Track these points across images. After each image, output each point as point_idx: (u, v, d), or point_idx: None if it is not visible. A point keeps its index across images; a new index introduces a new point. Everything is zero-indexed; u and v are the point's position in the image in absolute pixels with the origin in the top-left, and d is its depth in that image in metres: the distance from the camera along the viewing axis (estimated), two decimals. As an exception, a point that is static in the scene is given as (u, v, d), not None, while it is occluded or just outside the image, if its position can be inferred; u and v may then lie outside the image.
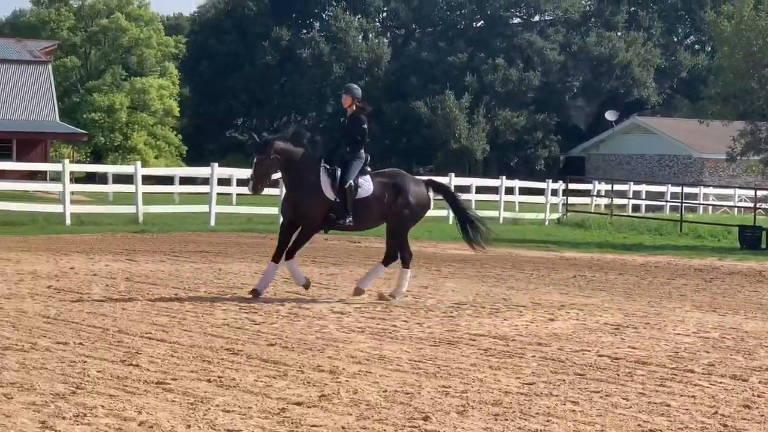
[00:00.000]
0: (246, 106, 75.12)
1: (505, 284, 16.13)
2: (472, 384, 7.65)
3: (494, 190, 40.38)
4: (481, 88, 69.61)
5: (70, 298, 12.18)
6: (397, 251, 13.17)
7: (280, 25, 72.48)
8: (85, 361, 7.91)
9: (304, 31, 77.55)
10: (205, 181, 30.88)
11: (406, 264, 13.11)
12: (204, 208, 29.72)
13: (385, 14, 79.51)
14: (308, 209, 12.52)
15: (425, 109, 67.13)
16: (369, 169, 12.96)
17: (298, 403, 6.65)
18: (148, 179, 34.36)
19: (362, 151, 12.83)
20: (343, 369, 8.06)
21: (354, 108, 13.09)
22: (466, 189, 42.12)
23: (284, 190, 13.14)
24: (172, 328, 9.93)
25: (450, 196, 14.20)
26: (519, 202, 41.51)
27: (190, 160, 65.24)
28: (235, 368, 7.93)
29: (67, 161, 29.34)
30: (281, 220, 13.70)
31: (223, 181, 35.85)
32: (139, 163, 30.96)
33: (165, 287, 13.53)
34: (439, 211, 37.68)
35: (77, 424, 5.82)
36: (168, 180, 42.07)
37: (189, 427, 5.86)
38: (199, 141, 73.24)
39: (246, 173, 40.54)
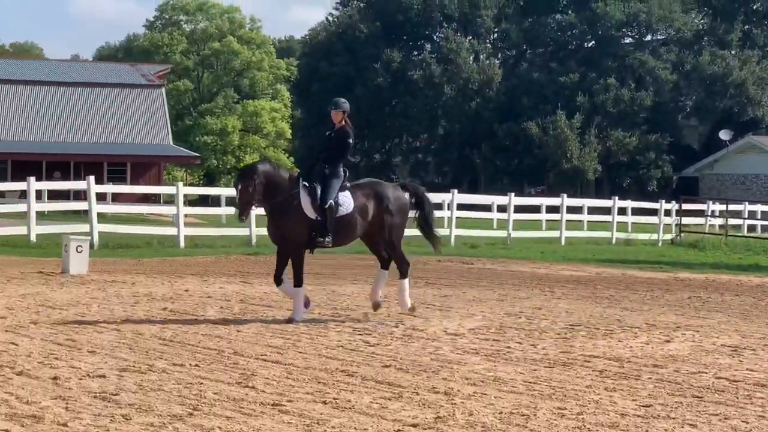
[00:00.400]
0: (358, 128, 75.28)
1: (618, 305, 15.82)
2: (588, 406, 7.54)
3: (606, 210, 39.77)
4: (593, 108, 68.79)
5: (185, 320, 12.35)
6: (404, 256, 13.09)
7: (392, 47, 72.90)
8: (202, 383, 8.00)
9: (416, 52, 77.86)
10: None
11: (404, 275, 12.93)
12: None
13: (495, 35, 79.37)
14: (292, 232, 12.37)
15: (536, 129, 66.70)
16: (348, 184, 12.68)
17: (414, 425, 6.64)
18: (260, 202, 34.61)
19: (341, 167, 12.56)
20: (458, 391, 8.01)
21: (343, 123, 12.95)
22: (578, 209, 41.77)
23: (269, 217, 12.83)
24: (286, 350, 9.99)
25: (420, 201, 13.61)
26: (631, 223, 40.78)
27: (303, 182, 66.08)
28: (350, 390, 7.94)
29: (180, 184, 29.88)
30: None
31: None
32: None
33: (279, 309, 13.59)
34: (551, 232, 37.44)
35: (195, 445, 5.91)
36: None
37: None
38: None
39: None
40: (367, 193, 12.66)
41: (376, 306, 12.86)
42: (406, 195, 13.21)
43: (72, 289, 15.47)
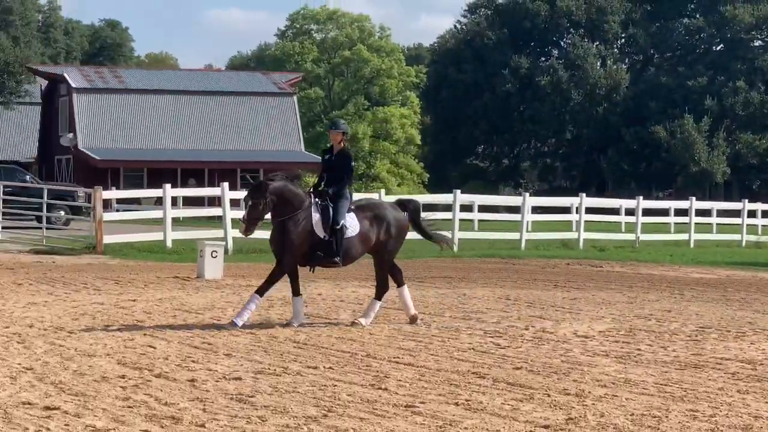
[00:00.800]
0: (486, 134, 75.87)
1: (750, 308, 15.38)
2: (721, 408, 7.39)
3: (736, 213, 38.89)
4: (721, 111, 67.06)
5: (318, 323, 12.44)
6: (387, 280, 12.52)
7: (519, 53, 72.56)
8: (336, 385, 8.02)
9: (543, 58, 77.34)
10: (447, 207, 30.63)
11: (401, 283, 12.50)
12: (447, 234, 30.10)
13: (623, 40, 78.18)
14: (295, 247, 12.02)
15: (664, 133, 65.41)
16: (353, 207, 12.31)
17: (546, 426, 6.60)
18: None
19: (347, 189, 12.36)
20: (589, 392, 7.92)
21: (342, 145, 12.53)
22: (707, 213, 40.68)
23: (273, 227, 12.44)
24: (418, 353, 9.98)
25: (415, 217, 12.99)
26: (762, 225, 39.46)
27: (432, 187, 66.50)
28: (482, 392, 7.90)
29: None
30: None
31: (465, 208, 35.99)
32: (383, 190, 31.65)
33: (410, 312, 13.49)
34: (680, 234, 36.47)
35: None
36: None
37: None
38: (440, 168, 74.63)
39: (488, 199, 41.81)
40: (370, 217, 12.32)
41: (414, 319, 12.40)
42: (405, 214, 12.76)
43: (207, 294, 15.70)
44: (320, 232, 11.91)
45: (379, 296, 12.49)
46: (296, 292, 12.27)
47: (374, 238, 12.28)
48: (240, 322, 11.72)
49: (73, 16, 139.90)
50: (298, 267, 12.45)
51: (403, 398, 7.54)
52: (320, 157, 13.29)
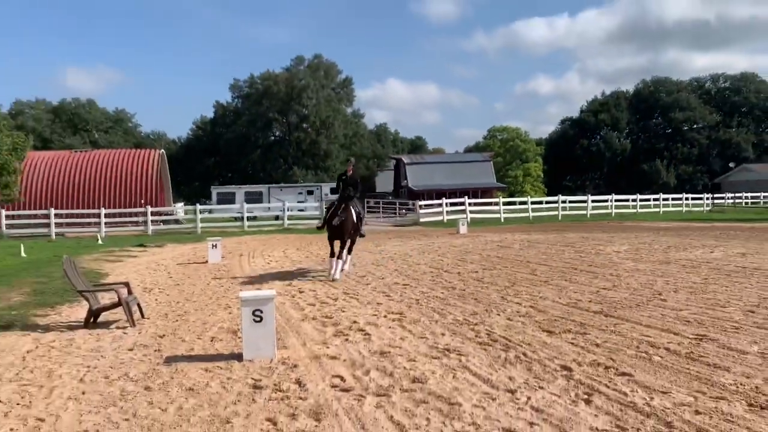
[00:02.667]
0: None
1: (689, 237, 22.26)
2: (676, 278, 13.29)
3: (679, 198, 48.52)
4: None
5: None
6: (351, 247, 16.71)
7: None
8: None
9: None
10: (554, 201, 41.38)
11: (350, 252, 16.74)
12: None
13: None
14: (351, 231, 16.03)
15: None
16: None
17: (603, 288, 11.55)
18: None
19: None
20: (619, 275, 15.01)
21: (351, 172, 16.22)
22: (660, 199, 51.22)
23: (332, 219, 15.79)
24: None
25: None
26: (690, 202, 47.92)
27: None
28: (574, 275, 14.64)
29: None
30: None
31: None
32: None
33: None
34: (656, 208, 44.48)
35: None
36: None
37: None
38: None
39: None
40: (356, 210, 16.28)
41: (333, 279, 15.39)
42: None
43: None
44: (355, 220, 16.26)
45: (350, 252, 16.55)
46: (339, 255, 15.80)
47: (357, 222, 16.43)
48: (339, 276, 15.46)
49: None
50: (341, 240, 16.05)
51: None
52: (339, 178, 16.73)
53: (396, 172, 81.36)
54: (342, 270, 15.81)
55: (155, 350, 8.91)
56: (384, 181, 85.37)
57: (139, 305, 11.33)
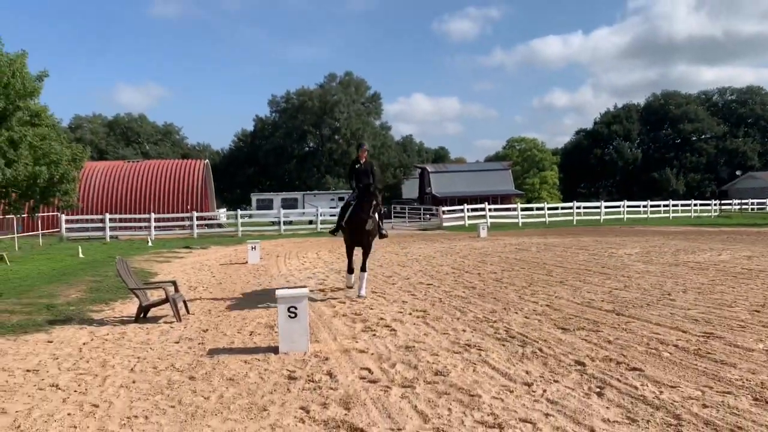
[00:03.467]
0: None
1: (698, 241, 22.19)
2: (684, 279, 13.75)
3: (688, 204, 48.05)
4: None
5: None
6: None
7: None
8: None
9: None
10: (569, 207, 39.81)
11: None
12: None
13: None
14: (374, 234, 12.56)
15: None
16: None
17: (615, 288, 11.80)
18: None
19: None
20: (631, 276, 15.02)
21: (364, 159, 12.75)
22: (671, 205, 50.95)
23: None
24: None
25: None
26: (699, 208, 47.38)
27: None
28: (587, 276, 15.12)
29: None
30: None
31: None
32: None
33: None
34: (666, 213, 44.01)
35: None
36: None
37: None
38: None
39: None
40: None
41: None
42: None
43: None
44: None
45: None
46: (363, 266, 12.60)
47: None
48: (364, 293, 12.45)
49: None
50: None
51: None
52: (351, 166, 12.76)
53: (421, 180, 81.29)
54: (365, 285, 12.55)
55: (199, 343, 8.98)
56: (410, 189, 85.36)
57: (185, 302, 11.42)
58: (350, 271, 12.91)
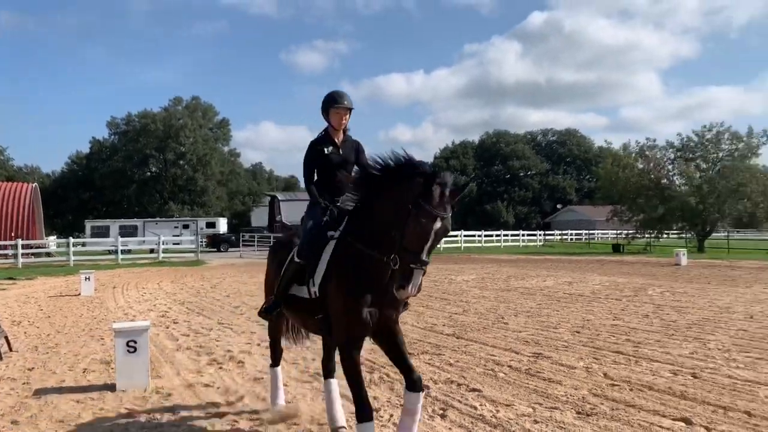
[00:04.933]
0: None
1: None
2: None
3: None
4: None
5: None
6: None
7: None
8: None
9: None
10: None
11: None
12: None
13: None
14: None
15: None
16: None
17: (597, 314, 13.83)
18: None
19: None
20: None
21: (342, 135, 5.63)
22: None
23: None
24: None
25: None
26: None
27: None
28: (566, 305, 15.31)
29: None
30: None
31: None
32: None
33: None
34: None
35: None
36: None
37: None
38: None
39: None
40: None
41: None
42: None
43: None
44: None
45: None
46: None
47: None
48: None
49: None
50: None
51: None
52: (314, 154, 5.78)
53: (270, 208, 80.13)
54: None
55: (23, 383, 8.16)
56: (259, 217, 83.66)
57: (6, 338, 10.40)
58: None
